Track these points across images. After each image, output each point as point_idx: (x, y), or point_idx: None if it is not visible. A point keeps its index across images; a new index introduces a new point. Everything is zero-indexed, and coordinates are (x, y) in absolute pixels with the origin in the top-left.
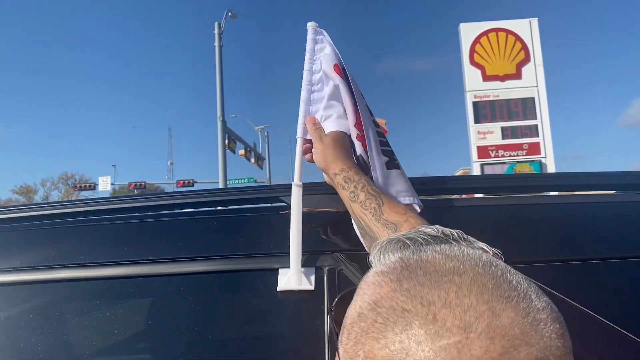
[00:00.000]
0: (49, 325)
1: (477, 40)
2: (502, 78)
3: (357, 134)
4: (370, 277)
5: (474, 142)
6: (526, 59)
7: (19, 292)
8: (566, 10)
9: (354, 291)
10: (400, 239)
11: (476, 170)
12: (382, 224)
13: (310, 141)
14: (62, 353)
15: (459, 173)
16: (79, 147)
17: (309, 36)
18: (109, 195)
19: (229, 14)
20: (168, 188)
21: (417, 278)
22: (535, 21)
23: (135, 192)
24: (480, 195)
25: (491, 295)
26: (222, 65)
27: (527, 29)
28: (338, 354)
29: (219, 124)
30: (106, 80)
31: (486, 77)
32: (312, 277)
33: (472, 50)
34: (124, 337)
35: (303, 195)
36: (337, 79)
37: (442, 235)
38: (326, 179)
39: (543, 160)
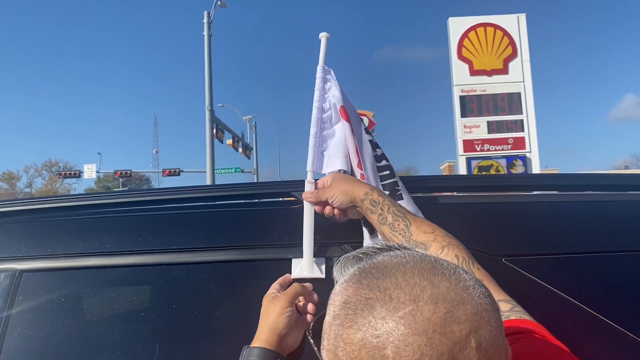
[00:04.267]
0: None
1: (465, 35)
2: (489, 73)
3: (361, 174)
4: (336, 288)
5: (460, 135)
6: (513, 54)
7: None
8: (557, 4)
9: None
10: (354, 254)
11: (461, 164)
12: (412, 246)
13: (325, 202)
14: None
15: (444, 166)
16: (64, 134)
17: (318, 75)
18: (137, 189)
19: (219, 2)
20: (154, 177)
21: (372, 275)
22: (523, 17)
23: (121, 181)
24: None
25: (429, 274)
26: (211, 54)
27: (514, 24)
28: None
29: (207, 113)
30: (93, 67)
31: (473, 72)
32: (323, 267)
33: (460, 45)
34: (148, 320)
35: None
36: (344, 122)
37: (386, 247)
38: (350, 214)
39: (528, 154)
